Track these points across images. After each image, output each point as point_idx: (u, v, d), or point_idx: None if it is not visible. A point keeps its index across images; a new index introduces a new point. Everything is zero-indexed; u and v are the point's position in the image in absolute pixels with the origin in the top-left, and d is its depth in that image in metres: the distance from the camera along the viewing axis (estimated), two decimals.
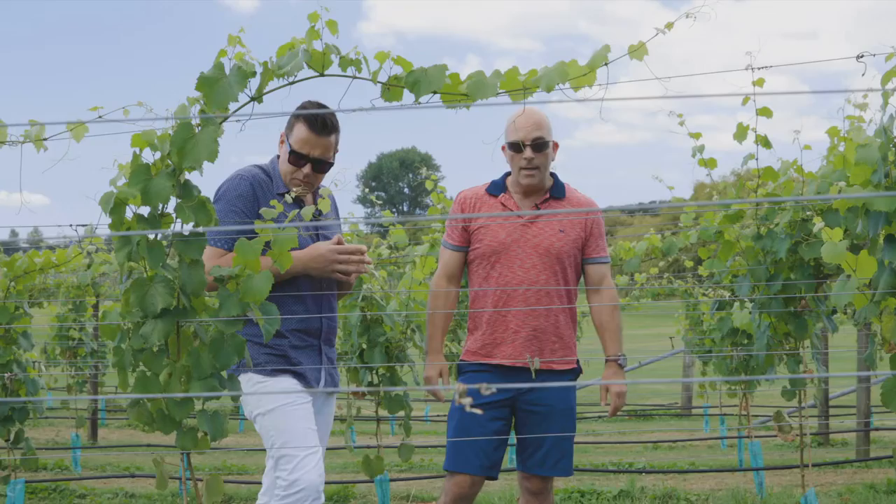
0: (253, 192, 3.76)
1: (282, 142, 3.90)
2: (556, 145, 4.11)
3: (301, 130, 3.81)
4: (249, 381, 3.74)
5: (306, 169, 3.84)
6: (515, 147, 4.03)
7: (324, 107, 3.73)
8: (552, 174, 4.19)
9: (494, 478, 4.13)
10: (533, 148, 4.00)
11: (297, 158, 3.83)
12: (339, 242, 3.79)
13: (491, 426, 4.05)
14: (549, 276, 4.04)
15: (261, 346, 3.74)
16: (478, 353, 4.15)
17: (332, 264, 3.75)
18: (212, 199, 3.69)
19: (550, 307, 4.03)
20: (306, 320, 3.82)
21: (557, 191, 4.17)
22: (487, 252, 4.10)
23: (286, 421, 3.67)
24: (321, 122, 3.78)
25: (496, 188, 4.20)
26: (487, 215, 4.13)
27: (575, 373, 4.21)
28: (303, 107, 3.78)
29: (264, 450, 3.79)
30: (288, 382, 3.75)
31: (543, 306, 4.01)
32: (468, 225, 4.17)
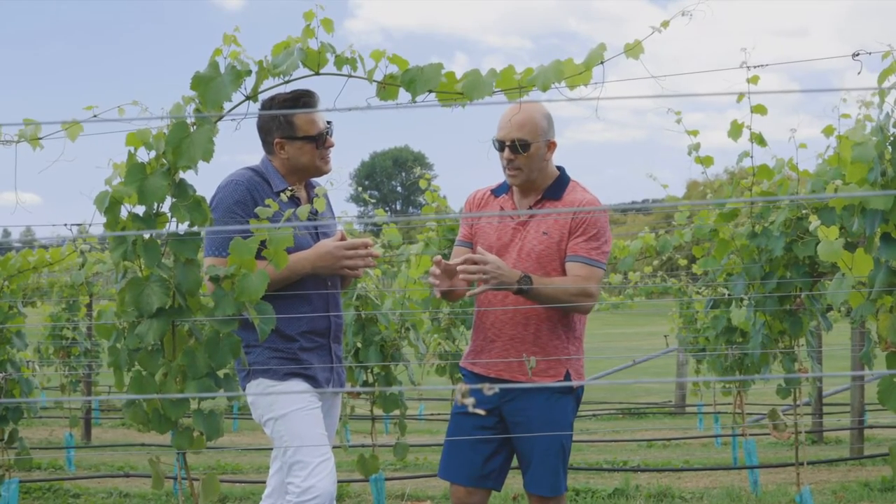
0: (251, 197, 3.67)
1: (281, 147, 3.78)
2: (551, 144, 3.88)
3: (301, 116, 3.76)
4: (260, 386, 3.68)
5: (330, 141, 3.84)
6: (498, 145, 3.87)
7: (296, 99, 3.70)
8: (560, 169, 3.98)
9: (490, 488, 3.96)
10: (511, 149, 3.80)
11: (320, 138, 3.80)
12: (342, 238, 3.76)
13: (476, 435, 3.90)
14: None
15: (271, 351, 3.68)
16: (467, 360, 4.04)
17: (341, 261, 3.70)
18: None
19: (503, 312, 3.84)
20: (314, 321, 3.76)
21: (553, 191, 3.93)
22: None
23: (299, 426, 3.62)
24: (308, 97, 3.73)
25: (501, 189, 4.05)
26: (470, 214, 4.03)
27: (565, 389, 3.86)
28: (275, 101, 3.71)
29: (259, 449, 3.78)
30: (299, 386, 3.70)
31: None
32: (474, 223, 4.04)
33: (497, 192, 4.06)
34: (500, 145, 3.85)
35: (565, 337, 3.89)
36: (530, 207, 3.93)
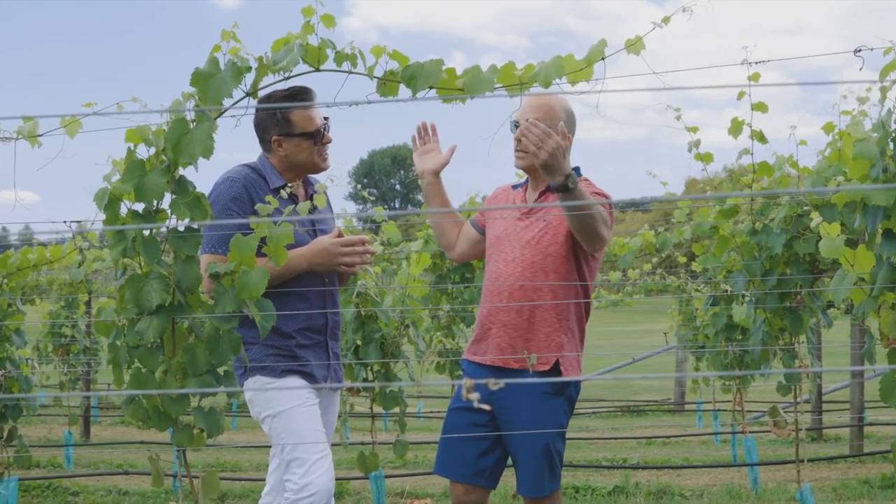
0: (247, 194, 3.66)
1: (279, 145, 3.77)
2: (566, 137, 3.68)
3: (298, 113, 3.73)
4: (257, 383, 3.67)
5: (328, 137, 3.82)
6: (513, 126, 3.84)
7: (293, 96, 3.69)
8: (574, 169, 3.85)
9: (485, 485, 3.91)
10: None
11: (318, 135, 3.78)
12: (339, 235, 3.75)
13: (471, 431, 3.87)
14: (531, 271, 3.78)
15: (268, 348, 3.67)
16: (469, 350, 4.01)
17: (337, 257, 3.68)
18: None
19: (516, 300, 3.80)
20: (311, 318, 3.74)
21: None
22: (487, 246, 3.99)
23: (297, 423, 3.61)
24: (305, 94, 3.71)
25: (520, 184, 4.07)
26: (469, 209, 4.03)
27: (553, 376, 3.76)
28: (272, 98, 3.69)
29: (257, 447, 3.78)
30: (297, 383, 3.68)
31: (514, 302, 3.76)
32: (486, 213, 4.08)
33: (516, 186, 4.12)
34: (515, 126, 3.84)
35: (558, 325, 3.80)
36: (537, 196, 3.92)
